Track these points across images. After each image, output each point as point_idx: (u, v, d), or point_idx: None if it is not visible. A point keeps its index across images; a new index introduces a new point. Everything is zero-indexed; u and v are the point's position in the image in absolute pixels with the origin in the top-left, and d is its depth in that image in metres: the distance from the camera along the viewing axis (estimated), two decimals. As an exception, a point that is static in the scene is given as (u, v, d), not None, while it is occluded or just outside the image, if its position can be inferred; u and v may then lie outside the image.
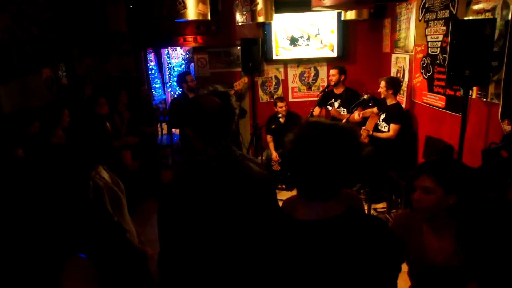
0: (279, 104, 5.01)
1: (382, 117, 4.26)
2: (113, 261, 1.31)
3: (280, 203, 1.73)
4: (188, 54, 8.38)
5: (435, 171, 1.58)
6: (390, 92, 4.14)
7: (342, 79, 4.79)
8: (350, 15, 4.48)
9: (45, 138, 3.14)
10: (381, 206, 4.27)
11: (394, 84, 4.17)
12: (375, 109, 4.42)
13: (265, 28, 5.21)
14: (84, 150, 1.90)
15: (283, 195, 4.63)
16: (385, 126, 4.20)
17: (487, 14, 2.87)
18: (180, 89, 5.03)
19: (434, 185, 1.56)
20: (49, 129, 3.28)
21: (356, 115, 4.48)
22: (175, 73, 8.42)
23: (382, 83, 4.16)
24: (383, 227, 1.13)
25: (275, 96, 5.46)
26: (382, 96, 4.21)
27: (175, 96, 6.37)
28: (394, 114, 4.10)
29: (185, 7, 3.20)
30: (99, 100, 3.93)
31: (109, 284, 1.26)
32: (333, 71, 4.81)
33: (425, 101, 3.95)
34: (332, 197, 1.11)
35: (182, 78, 4.87)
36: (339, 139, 1.05)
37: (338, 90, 4.87)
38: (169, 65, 8.44)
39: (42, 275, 1.20)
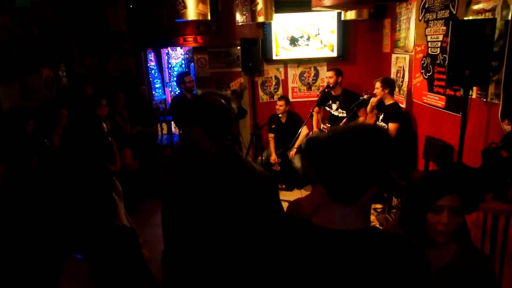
0: (278, 102, 5.04)
1: (381, 117, 4.27)
2: (112, 261, 1.31)
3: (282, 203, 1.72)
4: (188, 54, 8.38)
5: (462, 191, 1.38)
6: (387, 91, 4.16)
7: (339, 80, 4.78)
8: (350, 15, 4.48)
9: (43, 138, 3.14)
10: (380, 206, 4.27)
11: (389, 84, 4.20)
12: (369, 108, 4.45)
13: (265, 28, 5.21)
14: (78, 150, 1.89)
15: (283, 195, 4.63)
16: (384, 126, 4.21)
17: (487, 14, 2.86)
18: (179, 89, 5.04)
19: (460, 205, 1.38)
20: (49, 128, 3.29)
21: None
22: (175, 73, 8.42)
23: (378, 84, 4.19)
24: (416, 251, 1.01)
25: (275, 96, 5.47)
26: (379, 97, 4.21)
27: (176, 95, 6.37)
28: (392, 113, 4.12)
29: (185, 7, 3.20)
30: (100, 101, 3.91)
31: (106, 285, 1.26)
32: (330, 73, 4.80)
33: (425, 101, 3.95)
34: (359, 198, 1.03)
35: (180, 79, 4.89)
36: (367, 136, 1.01)
37: (336, 92, 4.86)
38: (169, 65, 8.43)
39: (40, 275, 1.21)
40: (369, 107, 4.50)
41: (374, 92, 4.24)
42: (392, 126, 4.08)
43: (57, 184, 1.34)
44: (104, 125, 3.82)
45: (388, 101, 4.19)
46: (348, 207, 1.03)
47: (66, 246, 1.23)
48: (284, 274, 1.03)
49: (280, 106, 5.00)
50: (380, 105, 4.31)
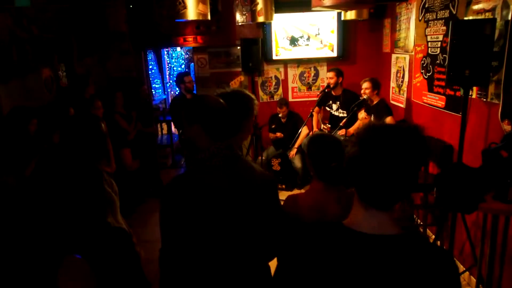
0: (279, 110, 5.05)
1: (372, 118, 4.28)
2: (110, 261, 1.31)
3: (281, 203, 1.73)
4: (188, 54, 8.38)
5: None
6: (375, 93, 4.25)
7: (340, 81, 4.79)
8: (350, 15, 4.48)
9: (45, 140, 3.14)
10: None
11: (378, 85, 4.29)
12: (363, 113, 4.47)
13: (265, 28, 5.21)
14: (77, 150, 1.88)
15: (283, 195, 4.62)
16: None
17: (487, 14, 2.86)
18: (178, 89, 5.02)
19: None
20: (52, 128, 3.28)
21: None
22: (175, 73, 8.42)
23: (367, 84, 4.24)
24: (449, 259, 1.01)
25: (275, 96, 5.46)
26: (364, 97, 4.22)
27: (175, 95, 6.38)
28: (383, 109, 4.18)
29: (185, 7, 3.20)
30: (95, 103, 3.90)
31: (105, 284, 1.26)
32: (330, 74, 4.81)
33: (425, 101, 3.95)
34: (394, 204, 1.03)
35: (180, 79, 4.83)
36: (406, 139, 0.99)
37: (336, 92, 4.86)
38: (169, 65, 8.44)
39: (39, 275, 1.21)
40: (362, 118, 4.52)
41: (362, 92, 4.25)
42: (389, 120, 4.11)
43: (52, 182, 1.34)
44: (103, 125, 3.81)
45: (375, 100, 4.27)
46: (384, 213, 1.03)
47: (63, 246, 1.24)
48: (319, 277, 1.01)
49: (283, 112, 5.01)
50: (367, 108, 4.35)
